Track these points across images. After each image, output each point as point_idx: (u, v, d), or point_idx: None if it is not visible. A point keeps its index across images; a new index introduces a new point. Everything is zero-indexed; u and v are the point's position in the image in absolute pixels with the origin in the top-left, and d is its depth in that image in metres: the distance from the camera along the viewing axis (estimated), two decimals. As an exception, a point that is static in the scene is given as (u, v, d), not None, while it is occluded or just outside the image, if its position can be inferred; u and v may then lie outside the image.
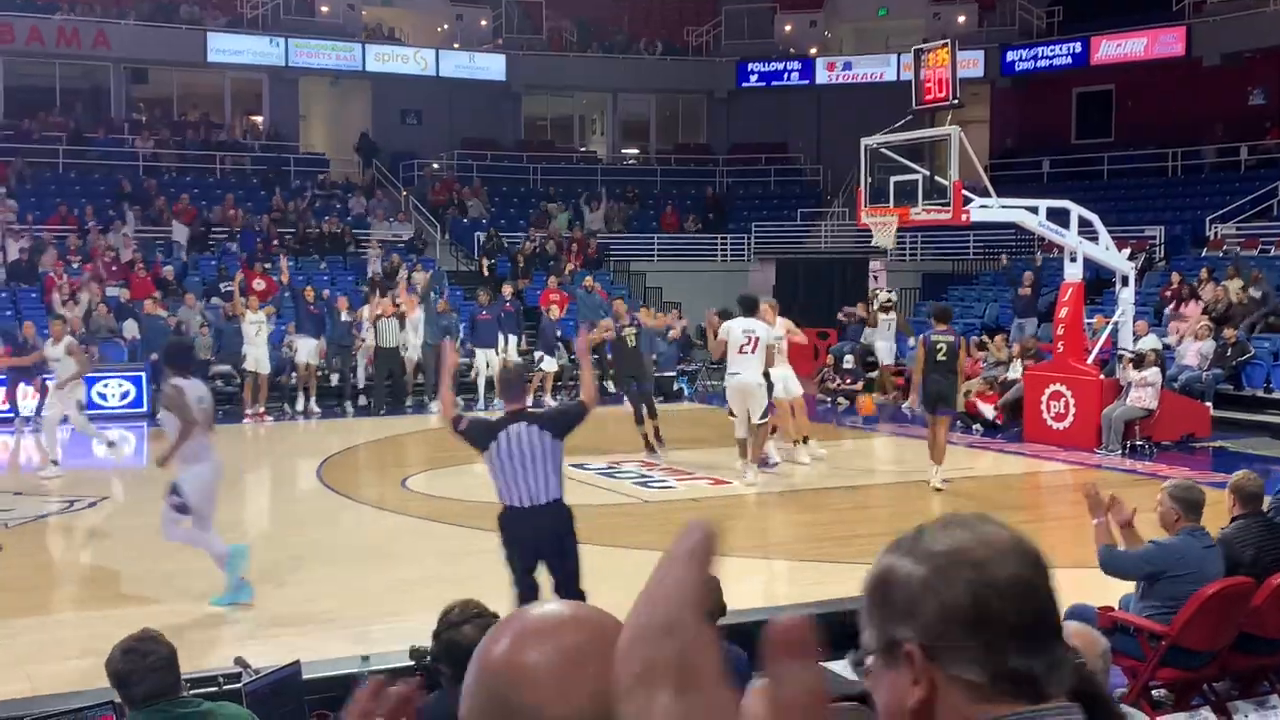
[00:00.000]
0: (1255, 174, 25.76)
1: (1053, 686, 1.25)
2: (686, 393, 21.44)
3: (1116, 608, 6.38)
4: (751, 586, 8.94)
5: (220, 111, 30.90)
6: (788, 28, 33.03)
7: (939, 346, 12.75)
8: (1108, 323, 17.08)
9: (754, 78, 32.21)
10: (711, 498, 12.59)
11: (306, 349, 19.29)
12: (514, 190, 30.66)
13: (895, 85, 25.68)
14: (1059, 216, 16.06)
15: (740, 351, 12.74)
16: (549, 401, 19.15)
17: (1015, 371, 17.74)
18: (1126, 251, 17.51)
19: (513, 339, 20.74)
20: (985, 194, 16.35)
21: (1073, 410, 15.87)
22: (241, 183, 28.43)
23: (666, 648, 0.99)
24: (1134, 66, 28.51)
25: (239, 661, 5.74)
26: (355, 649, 6.88)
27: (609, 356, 17.08)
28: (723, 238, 29.14)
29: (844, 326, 22.73)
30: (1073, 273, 16.12)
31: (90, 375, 17.80)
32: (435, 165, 30.75)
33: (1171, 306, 19.95)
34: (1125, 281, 16.61)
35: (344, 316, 19.78)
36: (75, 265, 22.25)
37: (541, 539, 6.88)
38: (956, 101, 16.23)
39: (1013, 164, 29.02)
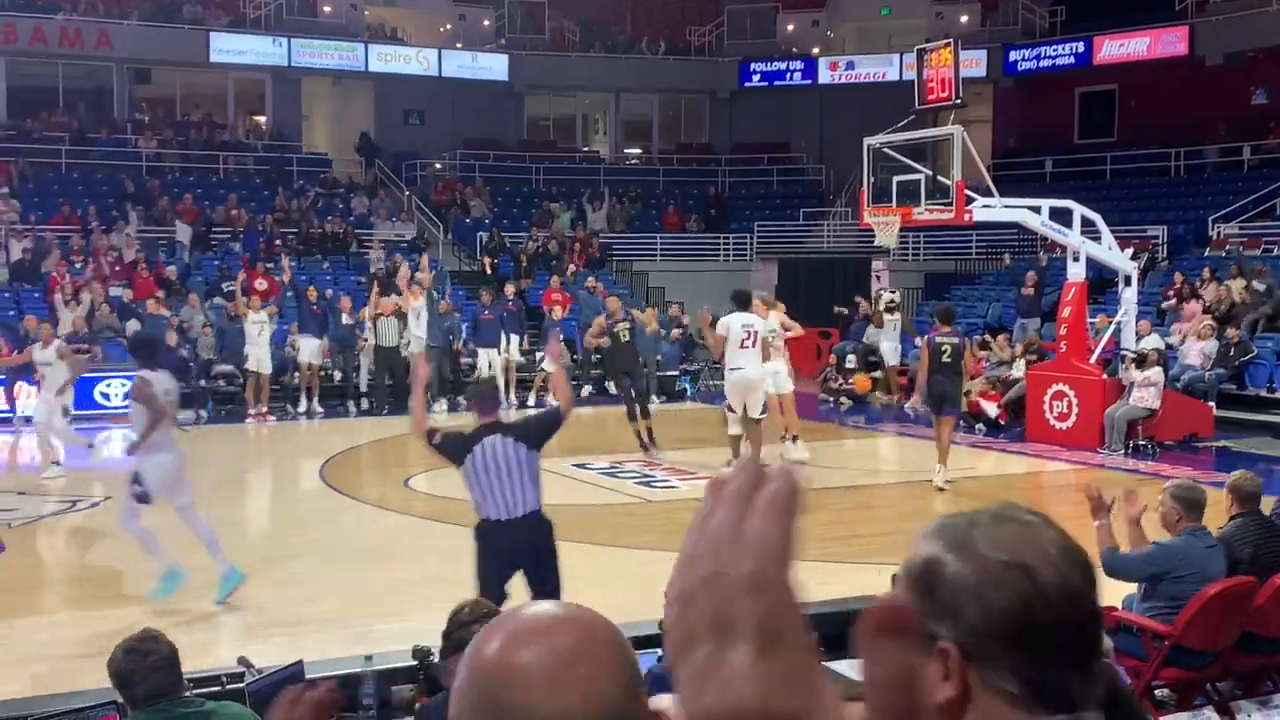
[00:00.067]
0: (1258, 174, 25.72)
1: (1088, 705, 1.21)
2: (690, 392, 21.44)
3: (1119, 607, 6.39)
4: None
5: (223, 111, 30.91)
6: (790, 27, 33.02)
7: (943, 348, 12.76)
8: (1110, 322, 17.06)
9: (756, 77, 32.19)
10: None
11: (309, 349, 19.29)
12: (516, 190, 30.66)
13: (898, 85, 25.70)
14: (1062, 216, 16.05)
15: (740, 346, 12.71)
16: (551, 401, 19.13)
17: (1018, 371, 17.74)
18: (1129, 251, 17.48)
19: (515, 339, 20.73)
20: (988, 194, 16.34)
21: (1075, 410, 15.87)
22: (244, 183, 28.45)
23: (749, 603, 0.96)
24: (1137, 66, 28.48)
25: (242, 661, 5.74)
26: (357, 649, 6.87)
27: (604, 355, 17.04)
28: (725, 238, 29.12)
29: (843, 321, 22.67)
30: (1075, 272, 16.12)
31: (93, 375, 17.82)
32: (438, 165, 30.76)
33: (1173, 304, 19.94)
34: (1128, 281, 16.59)
35: (345, 319, 19.79)
36: (78, 265, 22.25)
37: (519, 551, 6.78)
38: (959, 101, 16.23)
39: (1015, 164, 28.99)
